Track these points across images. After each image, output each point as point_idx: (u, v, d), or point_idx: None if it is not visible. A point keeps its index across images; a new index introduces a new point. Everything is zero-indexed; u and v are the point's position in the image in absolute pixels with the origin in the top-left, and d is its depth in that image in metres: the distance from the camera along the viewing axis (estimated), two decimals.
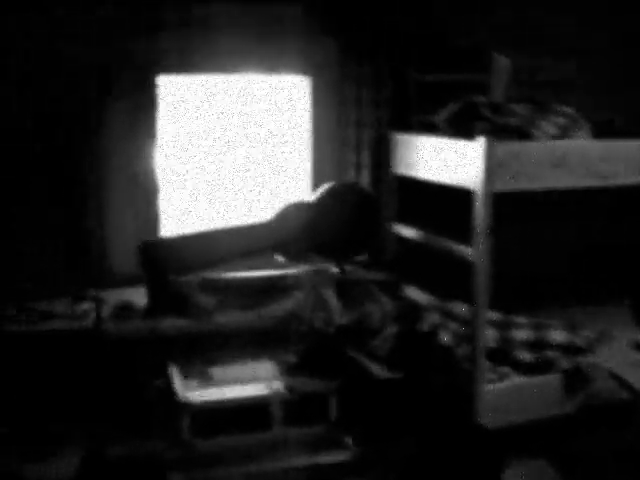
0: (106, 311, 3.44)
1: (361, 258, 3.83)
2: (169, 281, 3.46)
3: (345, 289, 3.49)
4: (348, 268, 3.71)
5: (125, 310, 3.41)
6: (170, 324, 3.31)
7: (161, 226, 3.97)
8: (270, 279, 3.51)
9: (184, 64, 3.88)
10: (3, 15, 3.45)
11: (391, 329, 3.28)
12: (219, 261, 3.59)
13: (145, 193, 3.93)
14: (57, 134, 3.75)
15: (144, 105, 3.87)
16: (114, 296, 3.61)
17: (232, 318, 3.34)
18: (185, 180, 4.03)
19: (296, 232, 3.64)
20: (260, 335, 3.31)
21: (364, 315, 3.36)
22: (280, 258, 3.72)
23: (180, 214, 4.03)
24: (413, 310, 3.56)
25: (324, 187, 3.77)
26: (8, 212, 3.66)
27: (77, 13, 3.61)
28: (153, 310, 3.40)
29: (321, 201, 3.71)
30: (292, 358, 3.20)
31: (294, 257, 3.68)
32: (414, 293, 3.74)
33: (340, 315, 3.34)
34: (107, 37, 3.68)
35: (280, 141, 4.11)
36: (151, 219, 3.97)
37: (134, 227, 3.92)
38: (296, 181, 4.14)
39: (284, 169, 4.13)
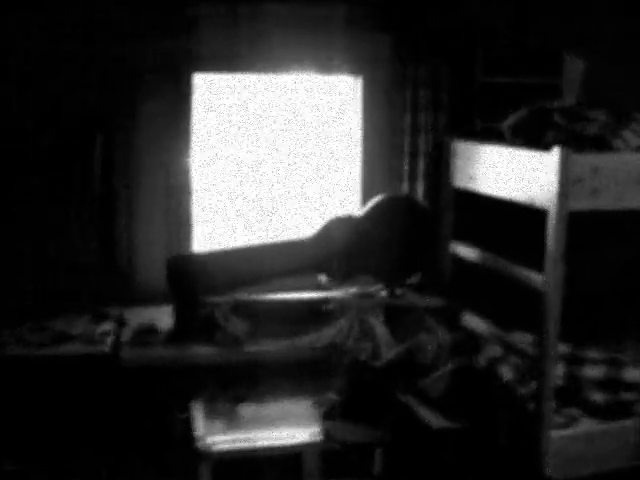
0: (127, 333, 3.09)
1: (414, 280, 3.42)
2: (198, 301, 3.10)
3: (395, 317, 3.09)
4: (399, 292, 3.30)
5: (147, 334, 3.06)
6: (196, 352, 2.94)
7: (194, 238, 3.62)
8: (310, 303, 3.12)
9: (224, 62, 3.53)
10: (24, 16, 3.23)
11: (445, 367, 2.86)
12: (255, 281, 3.23)
13: (178, 201, 3.58)
14: (86, 137, 3.44)
15: (179, 106, 3.53)
16: (138, 315, 3.28)
17: (266, 347, 2.95)
18: (221, 188, 3.67)
19: (341, 250, 3.27)
20: (296, 368, 2.91)
21: (416, 347, 2.95)
22: (322, 279, 3.34)
23: (215, 226, 3.67)
24: (471, 342, 3.14)
25: (374, 199, 3.38)
26: (30, 220, 3.35)
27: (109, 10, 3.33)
28: (178, 334, 3.05)
29: (370, 215, 3.32)
30: (332, 397, 2.79)
31: (338, 278, 3.30)
32: (472, 321, 3.31)
33: (388, 347, 2.93)
34: (140, 34, 3.38)
35: (327, 147, 3.73)
36: (184, 230, 3.62)
37: (165, 238, 3.59)
38: (343, 192, 3.75)
39: (330, 178, 3.74)
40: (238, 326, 2.98)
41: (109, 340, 3.02)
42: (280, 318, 3.06)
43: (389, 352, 2.92)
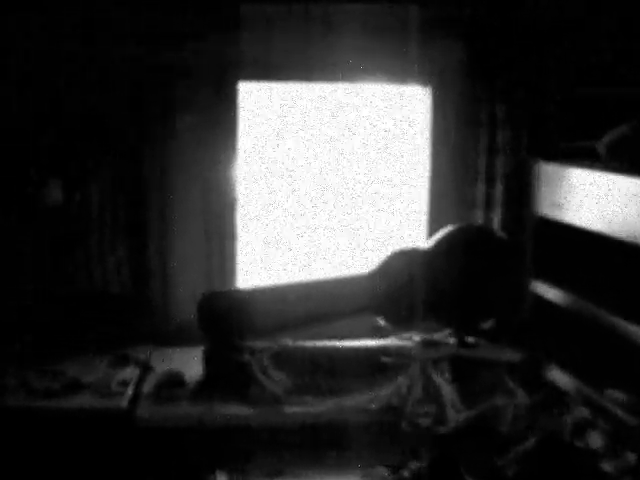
0: (150, 383, 2.65)
1: (487, 326, 2.91)
2: (233, 347, 2.64)
3: (465, 373, 2.58)
4: (470, 340, 2.79)
5: (172, 385, 2.61)
6: (225, 411, 2.47)
7: (237, 271, 3.17)
8: (364, 353, 2.64)
9: (272, 70, 3.09)
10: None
11: (528, 441, 2.32)
12: (301, 323, 2.78)
13: (220, 227, 3.14)
14: (117, 152, 3.04)
15: (220, 118, 3.10)
16: (169, 358, 2.88)
17: (310, 408, 2.46)
18: (268, 214, 3.22)
19: (403, 288, 2.77)
20: (342, 435, 2.42)
21: (490, 412, 2.43)
22: (380, 322, 2.85)
23: (260, 257, 3.22)
24: (557, 404, 2.60)
25: (443, 230, 2.88)
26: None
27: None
28: (207, 387, 2.60)
29: (438, 248, 2.84)
30: (385, 474, 2.29)
31: (399, 322, 2.81)
32: (557, 376, 2.77)
33: (456, 411, 2.42)
34: (176, 36, 2.99)
35: (390, 169, 3.25)
36: (226, 261, 3.18)
37: (203, 269, 3.15)
38: (408, 221, 3.26)
39: (393, 205, 3.25)
40: (278, 381, 2.51)
41: (128, 391, 2.58)
42: (328, 371, 2.57)
43: (457, 417, 2.40)
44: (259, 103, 3.17)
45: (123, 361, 2.82)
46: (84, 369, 2.73)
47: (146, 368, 2.78)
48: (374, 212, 3.22)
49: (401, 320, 2.80)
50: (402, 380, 2.47)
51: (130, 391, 2.59)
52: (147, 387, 2.63)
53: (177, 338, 3.04)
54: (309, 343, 2.72)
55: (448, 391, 2.45)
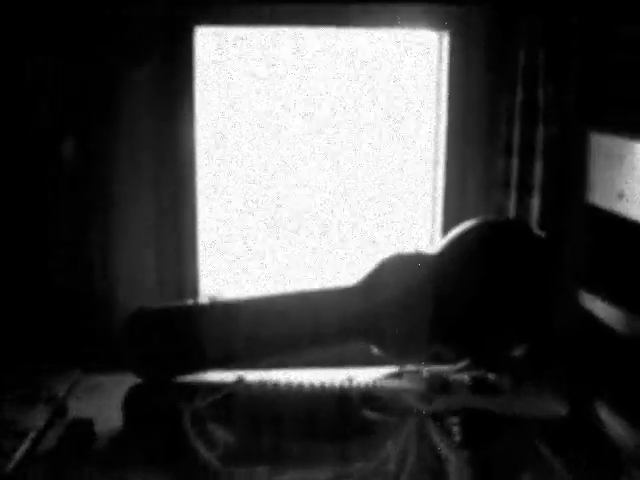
0: (53, 436, 1.95)
1: (517, 353, 2.15)
2: (163, 387, 1.95)
3: (483, 434, 1.82)
4: (492, 380, 2.03)
5: (77, 442, 1.91)
6: None
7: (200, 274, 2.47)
8: (341, 401, 1.89)
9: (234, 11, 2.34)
10: None
11: None
12: (264, 352, 2.05)
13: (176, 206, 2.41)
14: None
15: (175, 72, 2.36)
16: (88, 392, 2.17)
17: None
18: (232, 199, 2.50)
19: (399, 305, 2.03)
20: None
21: None
22: (374, 350, 2.11)
23: (223, 255, 2.50)
24: (609, 468, 1.84)
25: (459, 227, 2.13)
26: None
27: None
28: (123, 445, 1.88)
29: (451, 251, 2.10)
30: None
31: (394, 350, 2.07)
32: (607, 422, 2.00)
33: None
34: None
35: (391, 142, 2.48)
36: (184, 255, 2.46)
37: (154, 266, 2.44)
38: (413, 212, 2.50)
39: (394, 190, 2.49)
40: (219, 441, 1.79)
41: (21, 449, 1.88)
42: (291, 427, 1.84)
43: None
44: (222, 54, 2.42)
45: (33, 398, 2.13)
46: None
47: (59, 409, 2.08)
48: (368, 200, 2.46)
49: (397, 347, 2.06)
50: (391, 446, 1.73)
51: (24, 448, 1.88)
52: (49, 442, 1.93)
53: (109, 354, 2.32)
54: (270, 378, 1.98)
55: (456, 465, 1.69)
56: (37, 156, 2.32)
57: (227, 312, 2.04)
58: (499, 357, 2.10)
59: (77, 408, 2.08)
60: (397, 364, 2.11)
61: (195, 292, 2.42)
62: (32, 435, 1.93)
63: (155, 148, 2.40)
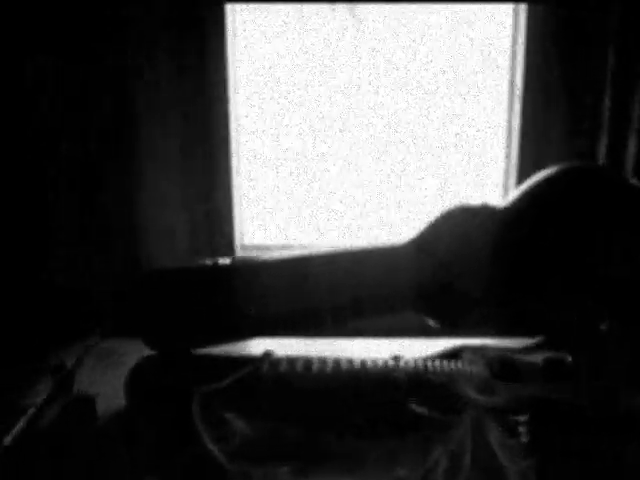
0: (51, 414, 1.67)
1: (605, 329, 1.77)
2: (176, 360, 1.66)
3: (556, 433, 1.46)
4: (571, 360, 1.66)
5: (80, 415, 1.64)
6: None
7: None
8: (384, 383, 1.55)
9: None
10: None
11: None
12: (299, 322, 1.73)
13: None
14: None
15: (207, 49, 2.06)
16: (104, 357, 1.94)
17: None
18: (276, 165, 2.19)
19: (462, 265, 1.68)
20: None
21: None
22: (430, 322, 1.78)
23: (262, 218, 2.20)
24: None
25: (537, 175, 1.75)
26: None
27: None
28: (124, 430, 1.60)
29: (525, 204, 1.73)
30: None
31: (451, 319, 1.73)
32: None
33: None
34: None
35: (459, 96, 2.12)
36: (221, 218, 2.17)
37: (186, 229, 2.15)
38: (483, 163, 2.13)
39: (461, 140, 2.13)
40: (235, 433, 1.48)
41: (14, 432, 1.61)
42: (323, 421, 1.52)
43: None
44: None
45: (39, 369, 1.87)
46: None
47: (64, 382, 1.80)
48: (427, 152, 2.10)
49: (454, 318, 1.72)
50: (441, 451, 1.39)
51: (22, 424, 1.62)
52: (48, 419, 1.66)
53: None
54: (303, 351, 1.66)
55: (521, 474, 1.34)
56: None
57: (251, 275, 1.72)
58: (582, 333, 1.72)
59: (86, 380, 1.81)
60: (454, 335, 1.77)
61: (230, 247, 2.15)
62: (31, 411, 1.68)
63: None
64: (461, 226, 1.71)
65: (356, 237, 2.16)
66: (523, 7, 2.02)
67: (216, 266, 1.69)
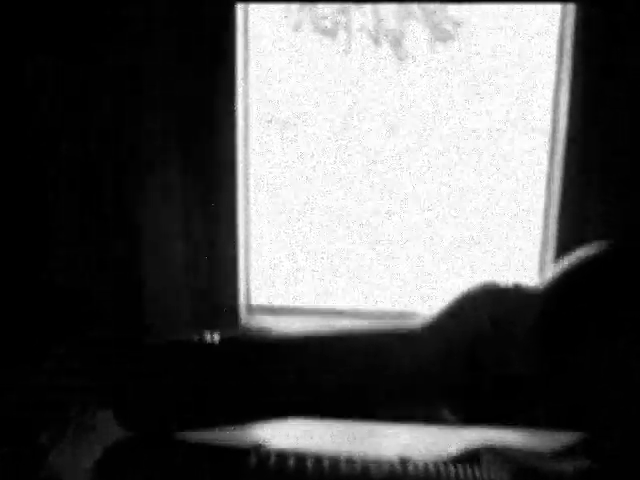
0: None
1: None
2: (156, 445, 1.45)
3: None
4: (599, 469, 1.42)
5: None
6: None
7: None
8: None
9: None
10: None
11: None
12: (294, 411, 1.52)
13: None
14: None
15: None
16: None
17: None
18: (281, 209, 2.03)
19: (492, 354, 1.46)
20: None
21: None
22: (445, 412, 1.56)
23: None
24: None
25: (576, 253, 1.54)
26: None
27: None
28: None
29: (565, 287, 1.50)
30: None
31: (470, 414, 1.52)
32: None
33: None
34: None
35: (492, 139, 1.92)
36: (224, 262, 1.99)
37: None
38: (520, 226, 1.92)
39: (494, 197, 1.92)
40: None
41: None
42: None
43: None
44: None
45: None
46: None
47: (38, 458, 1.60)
48: (457, 210, 1.90)
49: (474, 410, 1.50)
50: None
51: None
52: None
53: None
54: (298, 443, 1.45)
55: None
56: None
57: (246, 352, 1.52)
58: (621, 441, 1.48)
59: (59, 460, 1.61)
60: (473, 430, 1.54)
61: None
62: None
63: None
64: (486, 306, 1.50)
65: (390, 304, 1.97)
66: None
67: (203, 341, 1.49)
